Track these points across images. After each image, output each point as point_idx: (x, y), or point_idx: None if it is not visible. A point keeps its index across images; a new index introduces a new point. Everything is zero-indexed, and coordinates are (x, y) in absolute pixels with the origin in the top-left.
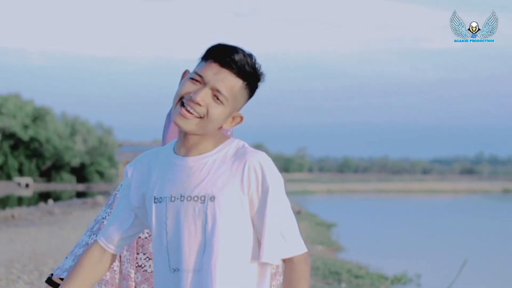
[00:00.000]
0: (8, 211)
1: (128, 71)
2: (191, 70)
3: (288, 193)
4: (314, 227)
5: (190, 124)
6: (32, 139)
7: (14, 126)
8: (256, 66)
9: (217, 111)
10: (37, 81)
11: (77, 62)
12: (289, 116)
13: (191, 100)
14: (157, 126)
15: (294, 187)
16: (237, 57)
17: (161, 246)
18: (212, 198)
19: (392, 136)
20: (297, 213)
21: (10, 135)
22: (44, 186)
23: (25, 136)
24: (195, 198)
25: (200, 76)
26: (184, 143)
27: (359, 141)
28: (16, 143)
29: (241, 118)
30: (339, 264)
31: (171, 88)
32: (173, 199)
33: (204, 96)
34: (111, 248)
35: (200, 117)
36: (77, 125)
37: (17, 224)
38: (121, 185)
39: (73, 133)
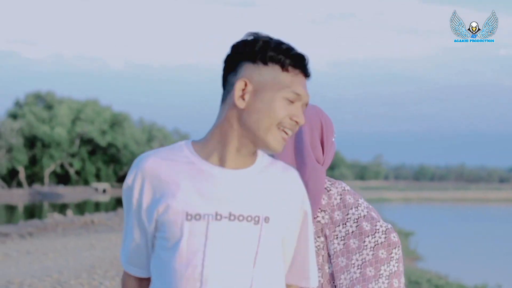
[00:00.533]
0: (87, 217)
1: (203, 79)
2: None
3: (365, 201)
4: None
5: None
6: (110, 145)
7: (92, 131)
8: None
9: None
10: (115, 88)
11: (154, 69)
12: (366, 124)
13: (298, 124)
14: None
15: (370, 195)
16: (309, 63)
17: (192, 271)
18: (267, 219)
19: (469, 144)
20: None
21: (88, 141)
22: (121, 192)
23: (102, 141)
24: (248, 218)
25: (298, 95)
26: (235, 155)
27: (436, 149)
28: (94, 148)
29: None
30: (418, 273)
31: None
32: (218, 217)
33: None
34: (145, 273)
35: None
36: (154, 131)
37: (96, 229)
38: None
39: (150, 139)
